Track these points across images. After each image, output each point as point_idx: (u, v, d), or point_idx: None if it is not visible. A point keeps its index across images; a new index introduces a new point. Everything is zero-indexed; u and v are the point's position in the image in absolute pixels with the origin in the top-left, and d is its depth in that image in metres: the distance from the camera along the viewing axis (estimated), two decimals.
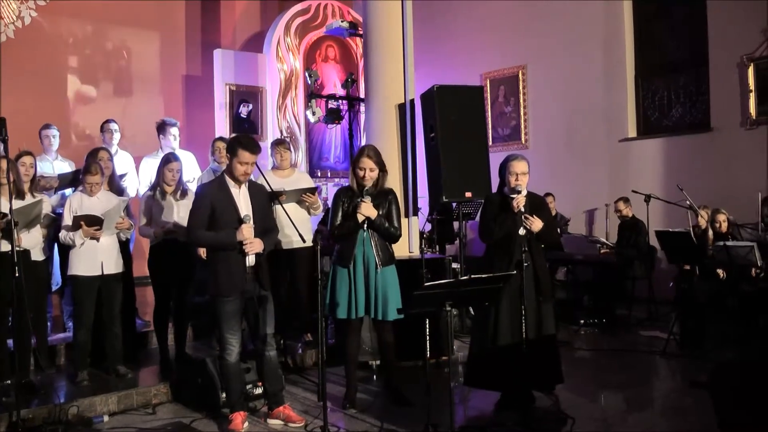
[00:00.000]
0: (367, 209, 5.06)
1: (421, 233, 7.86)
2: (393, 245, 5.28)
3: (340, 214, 5.14)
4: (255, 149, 4.67)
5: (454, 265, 7.00)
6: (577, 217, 10.33)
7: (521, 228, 4.96)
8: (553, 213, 9.34)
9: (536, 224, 4.95)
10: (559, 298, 8.16)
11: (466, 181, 6.81)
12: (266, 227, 4.82)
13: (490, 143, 10.41)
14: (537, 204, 5.13)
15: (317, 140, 11.09)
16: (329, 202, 7.18)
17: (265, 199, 4.91)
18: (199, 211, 4.69)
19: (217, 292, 4.69)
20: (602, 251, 8.65)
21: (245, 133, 5.13)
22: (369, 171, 5.10)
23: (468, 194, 6.83)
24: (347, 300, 5.10)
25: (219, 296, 4.68)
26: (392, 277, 5.18)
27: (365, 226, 5.10)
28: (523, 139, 11.08)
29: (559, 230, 9.15)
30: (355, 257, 5.09)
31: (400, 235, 5.26)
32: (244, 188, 4.76)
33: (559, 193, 9.92)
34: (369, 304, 5.12)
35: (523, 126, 11.10)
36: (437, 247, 8.78)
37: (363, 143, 10.31)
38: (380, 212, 5.12)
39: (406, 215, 6.93)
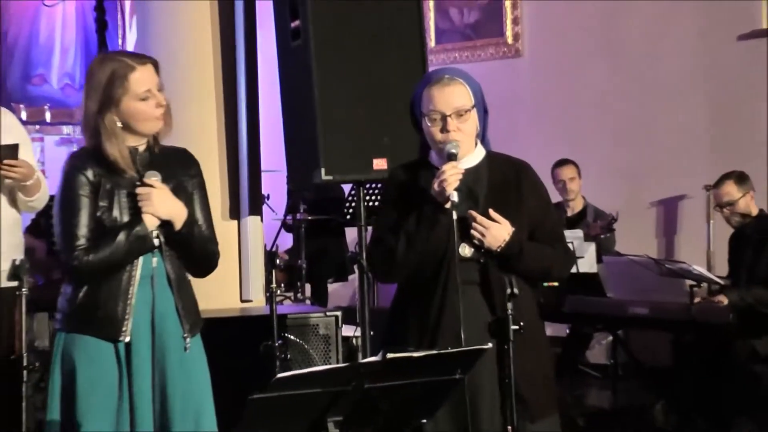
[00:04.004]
0: (165, 202, 5.11)
1: (271, 254, 7.88)
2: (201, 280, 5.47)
3: (86, 217, 5.12)
4: None
5: (348, 332, 7.11)
6: (634, 215, 10.59)
7: (461, 245, 4.96)
8: (576, 200, 9.79)
9: (494, 233, 4.94)
10: (593, 407, 8.28)
11: (374, 137, 7.19)
12: None
13: (432, 45, 10.89)
14: (508, 180, 5.17)
15: (18, 36, 11.31)
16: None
17: None
18: None
19: None
20: (697, 297, 8.62)
21: None
22: (157, 107, 5.06)
23: (378, 163, 7.19)
24: (113, 411, 5.16)
25: None
26: (201, 360, 5.36)
27: (160, 241, 5.17)
28: (508, 36, 11.40)
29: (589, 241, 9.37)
30: (132, 317, 5.14)
31: (217, 256, 5.42)
32: None
33: (591, 160, 10.21)
34: (163, 417, 5.22)
35: (509, 8, 11.33)
36: (305, 286, 9.04)
37: (130, 45, 10.37)
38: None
39: (233, 214, 7.40)
